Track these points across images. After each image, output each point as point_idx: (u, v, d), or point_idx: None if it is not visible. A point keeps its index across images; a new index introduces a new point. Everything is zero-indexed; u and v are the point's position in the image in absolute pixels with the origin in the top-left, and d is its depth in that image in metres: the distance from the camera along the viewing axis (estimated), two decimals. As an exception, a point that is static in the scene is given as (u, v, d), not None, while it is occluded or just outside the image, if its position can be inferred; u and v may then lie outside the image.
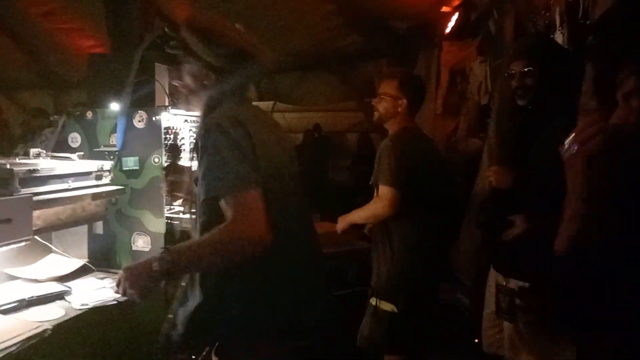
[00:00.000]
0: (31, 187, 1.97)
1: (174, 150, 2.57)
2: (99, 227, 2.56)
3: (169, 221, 2.52)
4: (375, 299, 2.61)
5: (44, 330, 1.73)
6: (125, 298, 1.74)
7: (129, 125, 2.50)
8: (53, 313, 1.90)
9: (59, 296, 2.06)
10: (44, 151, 2.34)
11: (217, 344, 1.59)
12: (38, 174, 2.01)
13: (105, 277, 2.33)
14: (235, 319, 1.50)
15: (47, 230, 2.23)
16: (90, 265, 2.42)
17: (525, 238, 1.87)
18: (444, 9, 3.99)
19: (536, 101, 2.04)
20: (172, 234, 2.50)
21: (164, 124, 2.49)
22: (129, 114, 2.49)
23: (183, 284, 1.63)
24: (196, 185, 1.54)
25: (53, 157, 2.33)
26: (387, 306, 2.56)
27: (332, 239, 2.99)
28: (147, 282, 1.52)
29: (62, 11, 5.11)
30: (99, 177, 2.40)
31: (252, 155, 1.45)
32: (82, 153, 2.47)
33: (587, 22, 2.10)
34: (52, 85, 6.66)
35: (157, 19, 4.29)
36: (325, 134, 9.48)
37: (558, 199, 1.40)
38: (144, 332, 2.37)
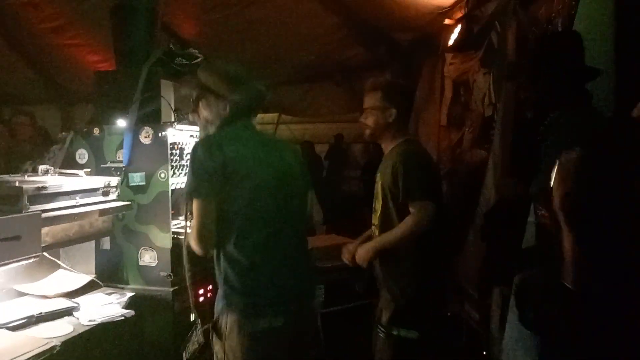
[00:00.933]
0: (40, 204, 2.01)
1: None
2: (106, 243, 2.59)
3: (175, 236, 2.54)
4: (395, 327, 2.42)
5: (53, 347, 1.75)
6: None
7: (136, 141, 2.53)
8: (61, 329, 1.93)
9: (67, 312, 2.08)
10: (52, 167, 2.37)
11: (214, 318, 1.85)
12: (46, 191, 2.04)
13: (112, 293, 2.35)
14: (228, 297, 1.80)
15: (56, 246, 2.26)
16: (98, 281, 2.44)
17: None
18: (447, 21, 4.01)
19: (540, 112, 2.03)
20: (178, 248, 2.51)
21: (170, 140, 2.52)
22: (135, 130, 2.52)
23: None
24: None
25: (61, 174, 2.36)
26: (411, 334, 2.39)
27: (338, 251, 2.98)
28: None
29: (70, 27, 5.17)
30: (106, 193, 2.42)
31: (214, 173, 1.75)
32: (89, 169, 2.50)
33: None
34: (61, 99, 6.71)
35: (163, 35, 4.33)
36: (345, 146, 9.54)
37: None
38: (151, 347, 2.38)
